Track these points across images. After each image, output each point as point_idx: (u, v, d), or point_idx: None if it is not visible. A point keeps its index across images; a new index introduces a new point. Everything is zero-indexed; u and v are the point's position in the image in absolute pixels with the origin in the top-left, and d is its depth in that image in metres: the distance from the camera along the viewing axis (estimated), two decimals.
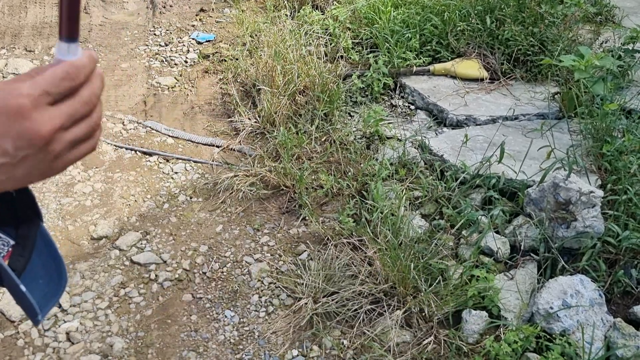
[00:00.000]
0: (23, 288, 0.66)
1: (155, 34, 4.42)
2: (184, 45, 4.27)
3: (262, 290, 2.48)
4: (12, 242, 0.69)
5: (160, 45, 4.28)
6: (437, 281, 2.27)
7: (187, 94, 3.80)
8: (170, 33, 4.42)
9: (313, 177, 2.96)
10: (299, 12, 4.28)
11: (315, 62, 3.48)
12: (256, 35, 4.05)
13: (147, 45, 4.28)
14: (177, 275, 2.55)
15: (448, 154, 2.94)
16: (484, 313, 2.20)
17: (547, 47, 3.58)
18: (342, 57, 3.80)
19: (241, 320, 2.36)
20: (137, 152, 3.30)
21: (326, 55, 3.74)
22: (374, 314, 2.29)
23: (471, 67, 3.66)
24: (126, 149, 3.31)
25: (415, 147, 3.10)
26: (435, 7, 3.91)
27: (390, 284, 2.31)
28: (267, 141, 3.24)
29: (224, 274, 2.57)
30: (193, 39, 4.34)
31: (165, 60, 4.11)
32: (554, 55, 3.40)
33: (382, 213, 2.53)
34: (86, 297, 2.44)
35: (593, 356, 1.99)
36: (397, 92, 3.66)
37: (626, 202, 2.45)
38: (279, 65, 3.42)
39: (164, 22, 4.56)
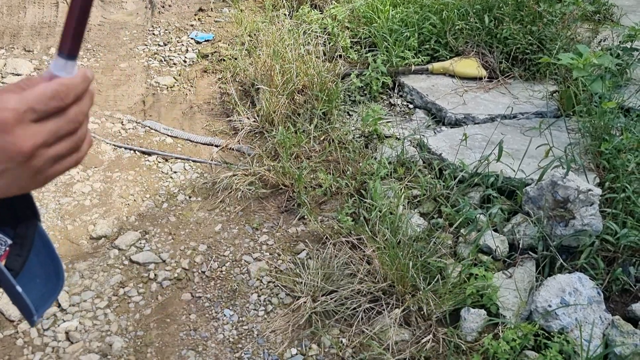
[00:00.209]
0: (19, 289, 0.66)
1: (154, 34, 4.42)
2: (182, 44, 4.27)
3: (261, 289, 2.48)
4: (9, 242, 0.69)
5: (159, 44, 4.29)
6: (435, 279, 2.27)
7: (186, 94, 3.80)
8: (169, 33, 4.42)
9: (312, 176, 2.96)
10: (297, 11, 4.28)
11: (313, 61, 3.48)
12: (255, 34, 4.05)
13: (145, 45, 4.28)
14: (176, 275, 2.55)
15: (446, 152, 2.95)
16: (483, 311, 2.21)
17: (546, 45, 3.58)
18: (340, 56, 3.80)
19: (240, 319, 2.36)
20: (136, 151, 3.30)
21: (325, 54, 3.74)
22: (372, 313, 2.29)
23: (470, 65, 3.66)
24: (125, 148, 3.31)
25: (413, 146, 3.10)
26: (433, 6, 3.91)
27: (389, 283, 2.31)
28: (265, 140, 3.24)
29: (223, 273, 2.57)
30: (192, 38, 4.34)
31: (164, 60, 4.11)
32: (553, 54, 3.40)
33: (380, 212, 2.53)
34: (85, 297, 2.44)
35: (591, 354, 2.00)
36: (396, 91, 3.66)
37: (624, 200, 2.46)
38: (278, 64, 3.43)
39: (162, 22, 4.56)
